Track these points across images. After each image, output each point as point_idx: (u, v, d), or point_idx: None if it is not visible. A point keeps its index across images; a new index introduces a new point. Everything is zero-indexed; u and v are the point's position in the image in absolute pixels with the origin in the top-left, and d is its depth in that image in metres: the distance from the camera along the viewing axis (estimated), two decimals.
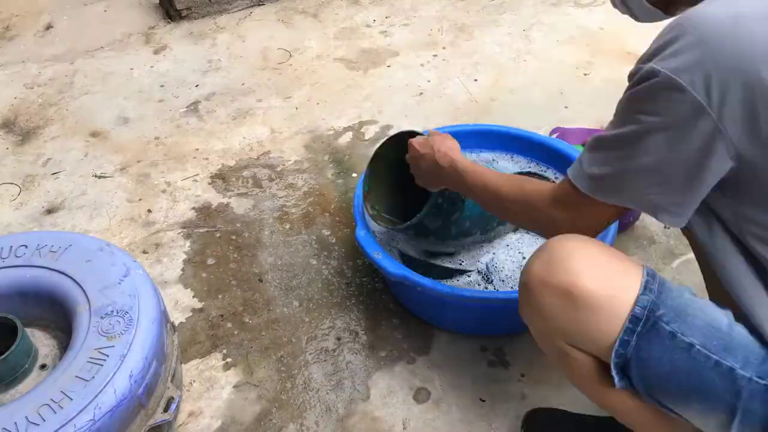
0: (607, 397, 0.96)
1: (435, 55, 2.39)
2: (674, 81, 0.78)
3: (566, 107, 2.07)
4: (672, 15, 0.91)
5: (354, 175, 1.87)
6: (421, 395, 1.32)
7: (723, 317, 0.86)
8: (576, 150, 1.59)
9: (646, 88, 0.81)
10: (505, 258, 1.44)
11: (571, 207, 0.95)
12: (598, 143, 0.89)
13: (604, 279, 0.89)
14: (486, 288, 1.39)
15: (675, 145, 0.81)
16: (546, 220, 1.01)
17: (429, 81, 2.26)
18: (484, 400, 1.31)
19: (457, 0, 2.71)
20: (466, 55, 2.38)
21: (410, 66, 2.34)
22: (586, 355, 0.94)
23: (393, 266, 1.31)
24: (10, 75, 2.38)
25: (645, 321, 0.86)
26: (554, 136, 1.78)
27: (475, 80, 2.25)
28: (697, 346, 0.84)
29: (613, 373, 0.90)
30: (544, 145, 1.63)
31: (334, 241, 1.67)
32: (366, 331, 1.44)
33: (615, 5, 1.00)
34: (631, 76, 0.84)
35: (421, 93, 2.20)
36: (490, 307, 1.30)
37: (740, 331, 0.85)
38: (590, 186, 0.90)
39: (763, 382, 0.82)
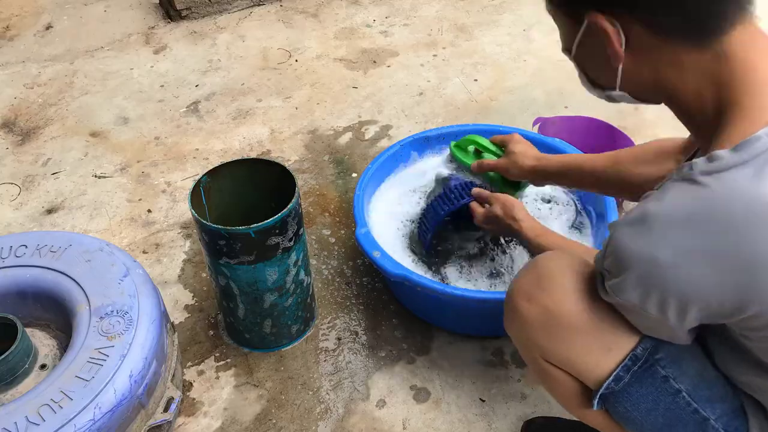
0: (582, 414, 0.98)
1: (435, 55, 2.39)
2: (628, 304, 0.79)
3: (566, 107, 2.07)
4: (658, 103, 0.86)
5: (354, 175, 1.87)
6: (421, 395, 1.32)
7: (711, 367, 0.88)
8: (570, 148, 1.59)
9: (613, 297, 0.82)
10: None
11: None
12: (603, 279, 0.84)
13: (602, 309, 0.87)
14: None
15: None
16: None
17: (429, 81, 2.26)
18: (484, 400, 1.31)
19: (457, 0, 2.71)
20: (466, 55, 2.39)
21: (410, 66, 2.34)
22: (564, 374, 0.94)
23: (393, 266, 1.31)
24: (10, 75, 2.38)
25: (644, 362, 0.87)
26: (536, 126, 1.79)
27: (475, 80, 2.25)
28: (684, 393, 0.86)
29: (595, 400, 0.91)
30: (544, 144, 1.63)
31: (334, 241, 1.67)
32: (366, 331, 1.44)
33: (594, 94, 0.92)
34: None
35: (421, 93, 2.20)
36: (490, 307, 1.30)
37: (722, 383, 0.88)
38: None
39: None
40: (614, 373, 0.88)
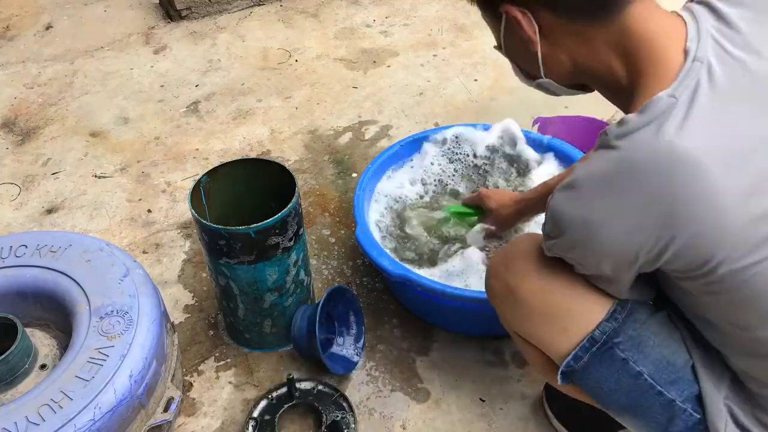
0: (554, 381, 1.00)
1: (435, 55, 2.39)
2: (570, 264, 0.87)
3: (566, 107, 2.07)
4: (583, 91, 0.94)
5: (354, 175, 1.87)
6: (421, 395, 1.32)
7: (683, 353, 0.89)
8: (569, 147, 1.60)
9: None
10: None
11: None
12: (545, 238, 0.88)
13: (557, 292, 0.91)
14: None
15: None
16: None
17: (429, 81, 2.26)
18: (484, 400, 1.31)
19: (457, 0, 2.71)
20: (466, 55, 2.39)
21: (410, 66, 2.34)
22: (533, 347, 0.98)
23: (393, 266, 1.31)
24: (10, 75, 2.38)
25: (602, 344, 0.89)
26: (536, 126, 1.80)
27: (475, 80, 2.25)
28: (645, 376, 0.88)
29: (559, 376, 0.93)
30: (543, 144, 1.63)
31: (334, 241, 1.67)
32: (366, 331, 1.44)
33: (528, 85, 0.98)
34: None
35: (421, 93, 2.20)
36: (489, 307, 1.30)
37: (691, 367, 0.89)
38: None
39: (698, 415, 0.87)
40: (573, 353, 0.90)
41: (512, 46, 0.90)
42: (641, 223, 0.73)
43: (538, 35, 0.84)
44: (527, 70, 0.93)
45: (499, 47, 0.94)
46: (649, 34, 0.78)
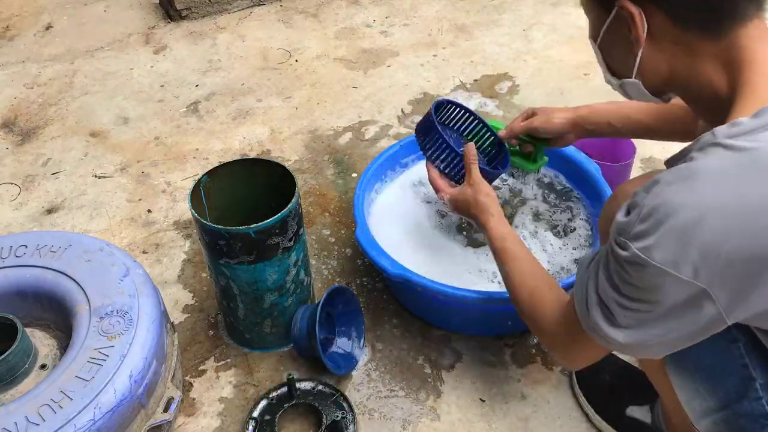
0: None
1: (435, 55, 2.39)
2: (661, 269, 0.74)
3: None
4: (662, 100, 0.92)
5: (354, 175, 1.87)
6: (420, 395, 1.32)
7: None
8: (571, 148, 1.59)
9: (637, 276, 0.77)
10: None
11: (571, 333, 0.92)
12: (607, 302, 0.82)
13: None
14: None
15: (677, 324, 0.79)
16: (546, 334, 1.01)
17: (429, 81, 2.26)
18: (484, 400, 1.31)
19: (457, 0, 2.71)
20: (466, 55, 2.39)
21: (410, 66, 2.34)
22: None
23: (393, 266, 1.31)
24: (10, 75, 2.38)
25: None
26: None
27: (475, 80, 2.25)
28: (741, 344, 0.86)
29: None
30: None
31: (334, 241, 1.67)
32: (366, 331, 1.44)
33: (611, 84, 0.97)
34: (615, 251, 0.78)
35: (422, 93, 2.20)
36: (490, 307, 1.30)
37: None
38: (593, 333, 0.87)
39: (766, 408, 0.84)
40: None
41: (611, 41, 0.89)
42: (760, 220, 0.70)
43: (644, 36, 0.83)
44: (616, 69, 0.92)
45: (593, 38, 0.93)
46: (759, 53, 0.79)
